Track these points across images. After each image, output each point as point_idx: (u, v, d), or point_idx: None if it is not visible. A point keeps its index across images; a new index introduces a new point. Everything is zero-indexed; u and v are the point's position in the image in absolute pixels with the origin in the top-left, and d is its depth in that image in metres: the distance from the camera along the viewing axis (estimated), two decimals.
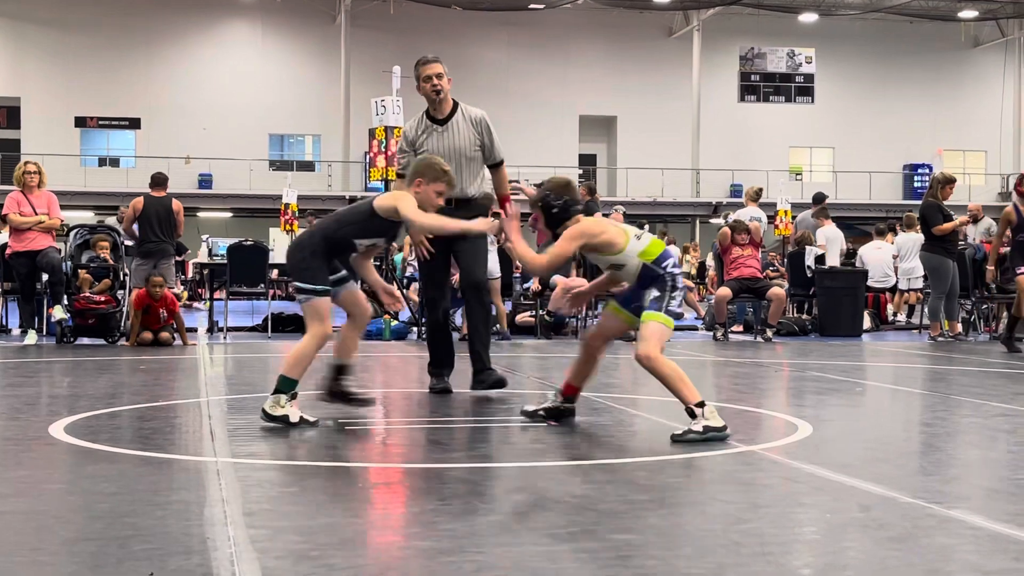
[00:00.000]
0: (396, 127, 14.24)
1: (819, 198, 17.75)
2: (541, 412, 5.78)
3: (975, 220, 17.33)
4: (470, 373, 7.28)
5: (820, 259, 15.78)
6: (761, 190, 16.69)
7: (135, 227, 13.18)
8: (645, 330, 5.32)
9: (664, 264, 5.37)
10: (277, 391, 5.61)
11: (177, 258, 16.78)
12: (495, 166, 7.50)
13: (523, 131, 43.44)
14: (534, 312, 14.02)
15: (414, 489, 4.34)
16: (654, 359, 5.25)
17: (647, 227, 21.98)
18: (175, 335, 11.82)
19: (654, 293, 5.35)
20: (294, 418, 5.56)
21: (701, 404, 5.19)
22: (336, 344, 5.95)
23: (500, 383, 7.21)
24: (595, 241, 5.42)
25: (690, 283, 17.40)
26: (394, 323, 13.31)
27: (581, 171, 43.32)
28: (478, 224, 5.79)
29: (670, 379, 5.24)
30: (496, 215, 6.61)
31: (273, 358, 10.87)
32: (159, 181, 13.35)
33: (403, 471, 4.70)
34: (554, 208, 5.45)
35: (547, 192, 5.49)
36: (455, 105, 7.46)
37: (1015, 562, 3.13)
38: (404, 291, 15.61)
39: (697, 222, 43.39)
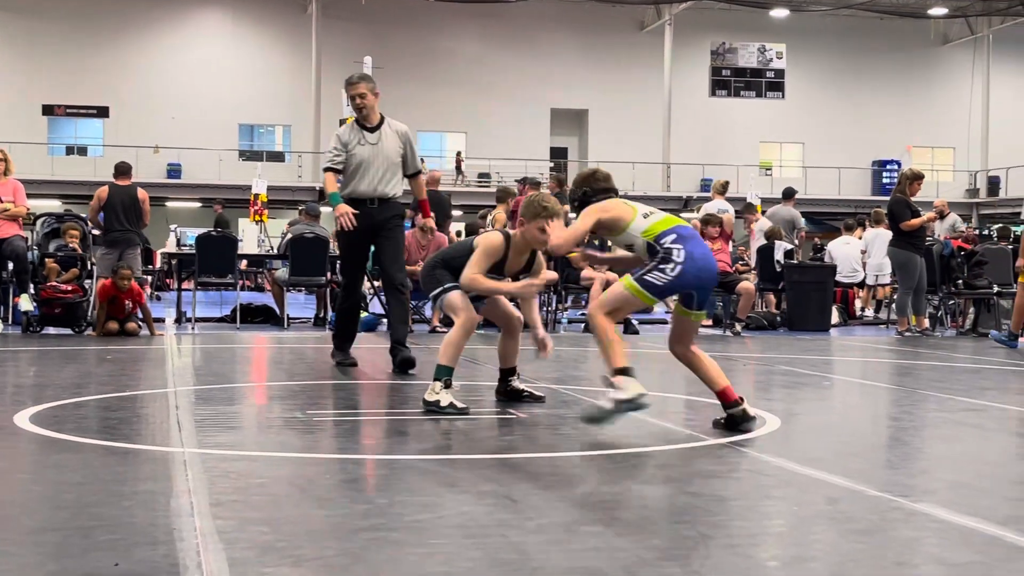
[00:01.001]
0: None
1: (788, 193, 17.85)
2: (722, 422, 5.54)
3: (941, 216, 17.45)
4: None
5: (789, 254, 15.84)
6: (728, 183, 16.74)
7: (100, 216, 13.07)
8: (608, 290, 5.39)
9: (663, 240, 5.33)
10: (435, 379, 5.88)
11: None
12: (413, 175, 8.71)
13: (495, 124, 43.47)
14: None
15: (382, 480, 4.33)
16: (594, 316, 5.30)
17: None
18: (142, 325, 11.75)
19: (646, 264, 5.37)
20: (444, 402, 5.80)
21: (623, 371, 5.10)
22: (498, 353, 6.36)
23: (409, 362, 8.14)
24: (605, 217, 5.46)
25: None
26: (364, 315, 13.27)
27: (552, 164, 43.34)
28: (520, 288, 6.07)
29: (602, 341, 5.21)
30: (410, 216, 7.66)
31: (241, 349, 10.82)
32: (123, 170, 13.22)
33: (372, 462, 4.69)
34: (575, 201, 5.66)
35: (571, 188, 5.83)
36: (382, 117, 8.60)
37: (979, 555, 3.15)
38: (375, 282, 15.57)
39: None
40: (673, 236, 5.34)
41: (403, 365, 8.13)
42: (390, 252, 8.53)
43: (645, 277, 5.28)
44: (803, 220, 17.55)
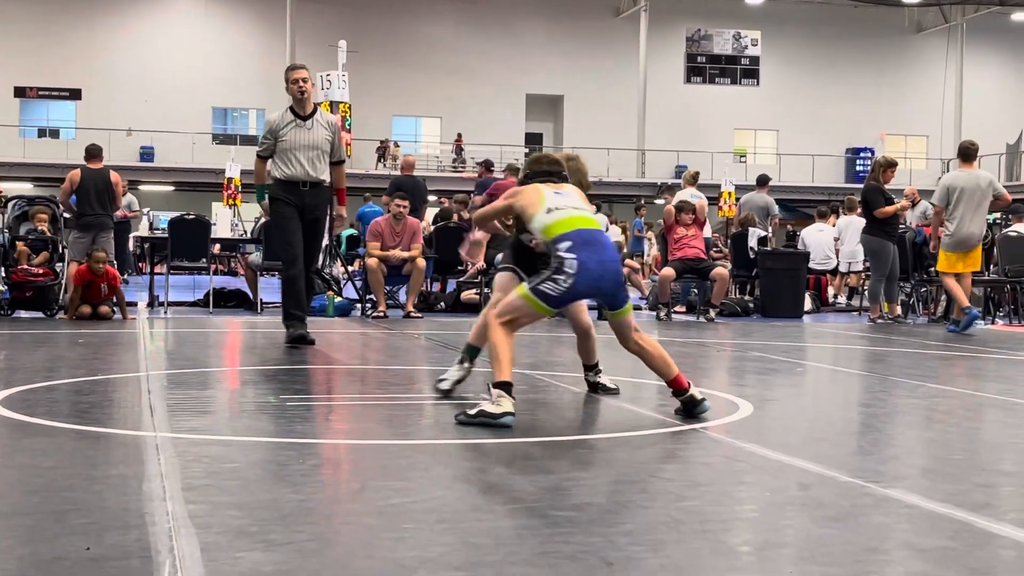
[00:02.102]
0: (342, 102, 14.16)
1: (762, 180, 17.92)
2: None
3: (913, 204, 17.52)
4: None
5: (763, 241, 15.89)
6: (698, 174, 16.76)
7: (73, 200, 12.97)
8: (505, 298, 5.32)
9: (558, 246, 5.13)
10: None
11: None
12: (336, 163, 9.19)
13: (470, 109, 43.41)
14: (478, 290, 14.01)
15: (355, 465, 4.32)
16: (490, 324, 5.17)
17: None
18: (115, 309, 11.69)
19: (542, 273, 5.20)
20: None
21: (502, 385, 4.92)
22: (578, 351, 6.20)
23: (302, 339, 8.65)
24: (515, 202, 5.43)
25: (635, 264, 17.45)
26: (337, 299, 13.25)
27: (527, 150, 43.31)
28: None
29: (492, 349, 5.08)
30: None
31: (214, 333, 10.79)
32: (94, 153, 13.12)
33: (345, 447, 4.68)
34: (520, 183, 5.66)
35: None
36: (316, 106, 9.16)
37: (951, 540, 3.17)
38: (349, 267, 15.54)
39: (642, 203, 43.54)
40: (568, 243, 5.11)
41: (296, 340, 8.64)
42: (315, 241, 9.21)
43: (539, 287, 5.09)
44: (777, 207, 17.62)
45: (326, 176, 9.06)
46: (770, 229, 16.95)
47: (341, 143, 9.22)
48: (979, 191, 11.94)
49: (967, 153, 12.27)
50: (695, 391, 5.31)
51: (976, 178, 12.05)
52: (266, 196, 9.13)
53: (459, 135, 42.46)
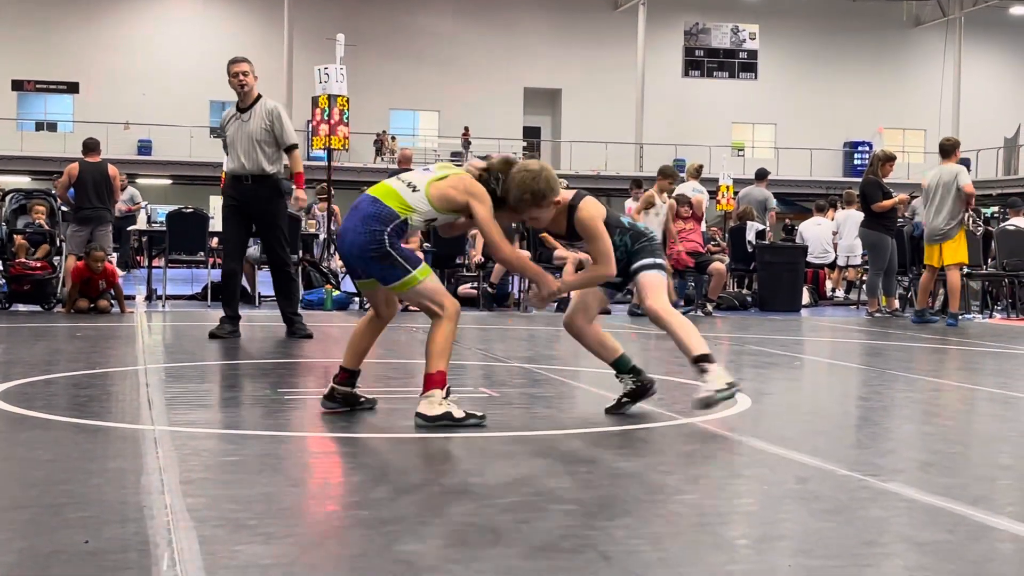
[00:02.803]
0: (340, 95, 14.13)
1: (761, 174, 17.92)
2: (625, 399, 5.27)
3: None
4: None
5: (761, 234, 15.89)
6: (702, 167, 16.78)
7: (71, 193, 12.97)
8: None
9: None
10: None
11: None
12: (288, 149, 9.03)
13: (468, 103, 43.37)
14: (476, 284, 14.01)
15: (353, 459, 4.32)
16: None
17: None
18: (113, 303, 11.68)
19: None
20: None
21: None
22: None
23: (310, 335, 8.95)
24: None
25: None
26: (336, 293, 13.25)
27: (525, 143, 43.30)
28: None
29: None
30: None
31: (212, 326, 10.77)
32: (91, 146, 13.11)
33: (342, 441, 4.68)
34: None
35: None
36: (258, 98, 9.02)
37: (948, 534, 3.18)
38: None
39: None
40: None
41: (306, 336, 8.95)
42: (270, 233, 9.07)
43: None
44: (775, 201, 17.63)
45: (270, 167, 8.93)
46: (767, 222, 16.96)
47: (285, 128, 8.99)
48: (943, 186, 12.12)
49: (942, 149, 12.56)
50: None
51: (941, 173, 12.27)
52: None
53: (466, 128, 42.33)
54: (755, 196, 17.27)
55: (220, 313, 9.20)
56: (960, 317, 12.22)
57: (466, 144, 41.80)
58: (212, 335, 8.91)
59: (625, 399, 5.26)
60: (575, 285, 5.22)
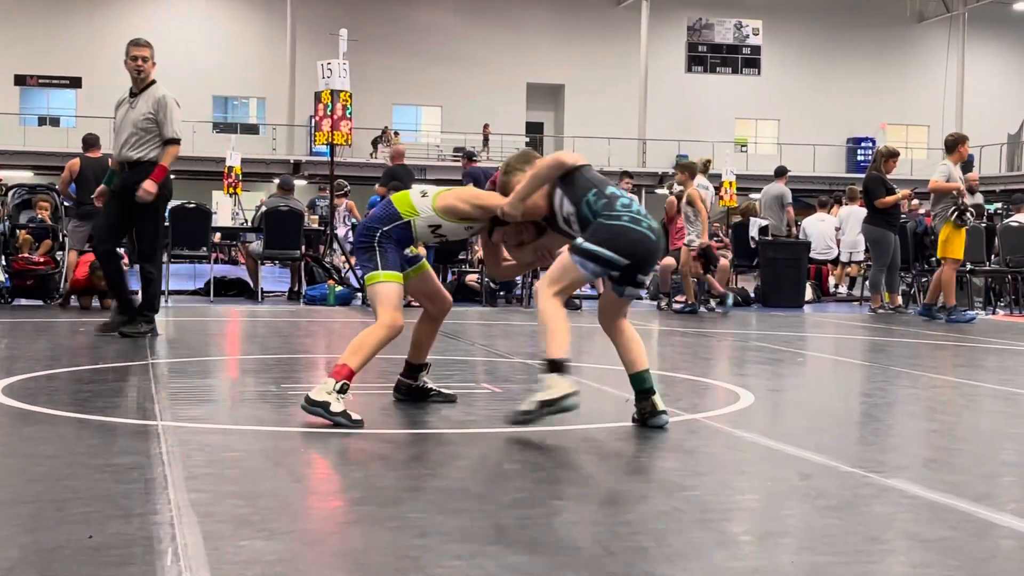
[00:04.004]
0: (343, 90, 14.12)
1: (780, 171, 17.96)
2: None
3: (971, 192, 17.09)
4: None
5: (764, 230, 15.88)
6: (710, 162, 16.78)
7: (72, 189, 12.96)
8: None
9: None
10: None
11: None
12: (166, 142, 8.56)
13: (471, 98, 43.34)
14: (480, 279, 14.00)
15: (357, 454, 4.32)
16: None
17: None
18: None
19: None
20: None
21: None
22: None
23: (141, 335, 8.27)
24: None
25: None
26: (338, 289, 13.25)
27: (528, 139, 43.26)
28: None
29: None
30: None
31: (215, 322, 10.78)
32: (91, 142, 13.09)
33: (346, 436, 4.68)
34: None
35: None
36: (151, 84, 8.69)
37: (952, 531, 3.17)
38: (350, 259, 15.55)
39: (643, 192, 43.54)
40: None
41: (118, 328, 8.34)
42: (141, 225, 8.65)
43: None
44: (791, 197, 17.64)
45: (143, 155, 8.48)
46: (784, 219, 17.02)
47: (169, 120, 8.55)
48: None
49: (944, 145, 12.65)
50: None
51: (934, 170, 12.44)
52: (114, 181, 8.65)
53: (486, 125, 42.20)
54: (772, 193, 17.33)
55: (222, 308, 9.17)
56: (950, 313, 12.12)
57: (485, 140, 41.70)
58: (115, 332, 8.32)
59: (635, 418, 4.81)
60: (511, 205, 4.79)
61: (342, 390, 4.68)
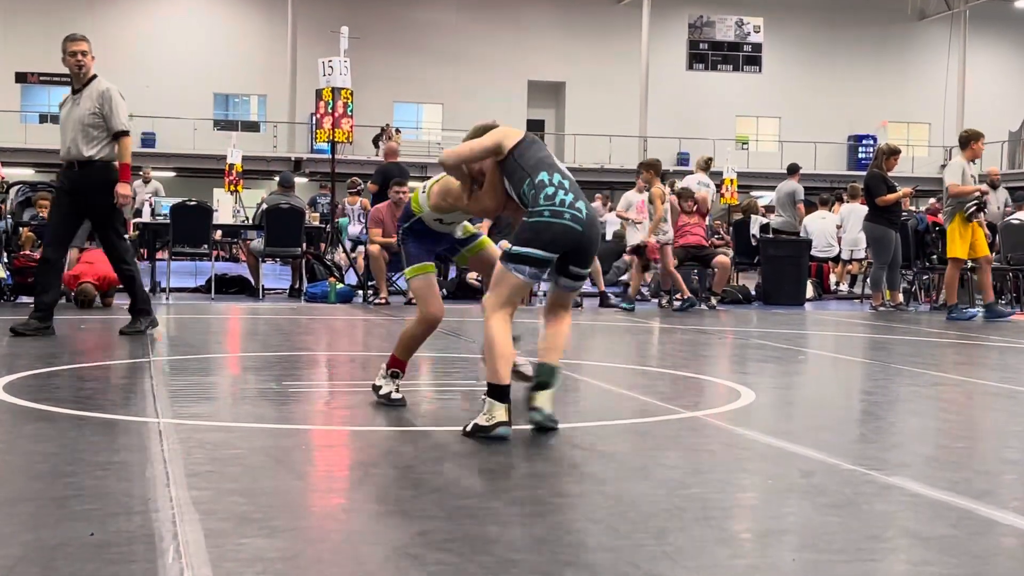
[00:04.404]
0: (344, 88, 14.12)
1: (793, 168, 18.01)
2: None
3: (993, 186, 17.01)
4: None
5: (765, 228, 15.89)
6: (711, 159, 16.79)
7: None
8: None
9: None
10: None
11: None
12: (116, 135, 8.30)
13: (471, 95, 43.30)
14: (480, 277, 14.00)
15: (358, 452, 4.33)
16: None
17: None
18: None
19: None
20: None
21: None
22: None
23: (140, 332, 8.17)
24: None
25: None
26: (339, 286, 13.25)
27: None
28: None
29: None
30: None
31: (216, 319, 10.79)
32: None
33: (347, 434, 4.69)
34: None
35: None
36: (92, 79, 8.35)
37: (953, 528, 3.18)
38: (351, 255, 15.55)
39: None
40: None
41: (128, 331, 8.24)
42: (101, 227, 8.43)
43: None
44: (803, 193, 17.68)
45: (98, 153, 8.25)
46: (796, 215, 17.07)
47: (115, 112, 8.29)
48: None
49: (959, 141, 12.60)
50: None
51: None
52: None
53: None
54: (785, 190, 17.40)
55: (223, 305, 9.18)
56: (951, 311, 12.14)
57: None
58: (14, 331, 8.10)
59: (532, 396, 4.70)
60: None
61: (395, 377, 5.17)
